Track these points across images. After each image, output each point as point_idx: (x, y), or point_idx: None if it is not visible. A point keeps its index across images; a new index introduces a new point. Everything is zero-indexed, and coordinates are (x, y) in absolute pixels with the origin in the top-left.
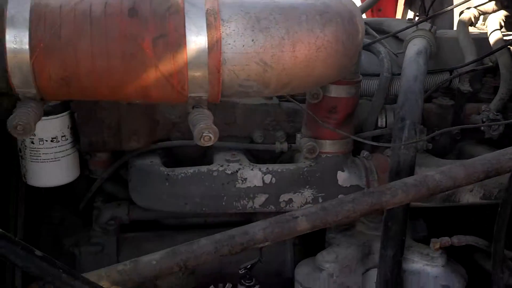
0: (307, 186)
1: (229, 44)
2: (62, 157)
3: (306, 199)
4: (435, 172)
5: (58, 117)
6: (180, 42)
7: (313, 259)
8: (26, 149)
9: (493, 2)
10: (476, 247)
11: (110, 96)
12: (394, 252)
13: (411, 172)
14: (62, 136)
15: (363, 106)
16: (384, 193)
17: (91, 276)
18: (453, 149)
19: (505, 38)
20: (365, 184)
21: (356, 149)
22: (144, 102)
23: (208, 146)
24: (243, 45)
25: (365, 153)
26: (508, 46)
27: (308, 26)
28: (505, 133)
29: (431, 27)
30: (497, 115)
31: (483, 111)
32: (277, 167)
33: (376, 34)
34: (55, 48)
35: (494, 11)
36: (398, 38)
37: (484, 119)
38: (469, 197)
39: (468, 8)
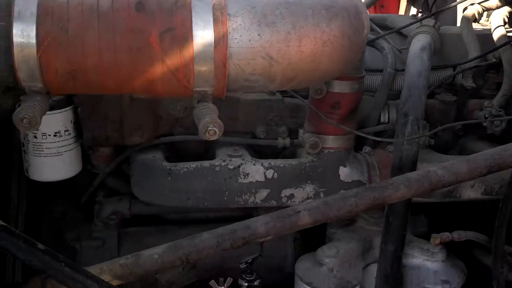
0: (309, 181)
1: (236, 38)
2: (65, 151)
3: (308, 194)
4: (437, 167)
5: (61, 112)
6: (186, 36)
7: (314, 254)
8: (29, 143)
9: None
10: (475, 242)
11: (116, 90)
12: (394, 247)
13: (413, 168)
14: (65, 131)
15: (366, 101)
16: (387, 188)
17: (93, 269)
18: (455, 145)
19: (508, 34)
20: (367, 179)
21: (358, 144)
22: (149, 97)
23: (211, 141)
24: (249, 40)
25: (367, 148)
26: None
27: (314, 20)
28: (507, 129)
29: (435, 23)
30: (500, 111)
31: (486, 107)
32: (279, 162)
33: (379, 30)
34: (62, 42)
35: (497, 7)
36: (401, 34)
37: (486, 115)
38: (470, 192)
39: (472, 4)
